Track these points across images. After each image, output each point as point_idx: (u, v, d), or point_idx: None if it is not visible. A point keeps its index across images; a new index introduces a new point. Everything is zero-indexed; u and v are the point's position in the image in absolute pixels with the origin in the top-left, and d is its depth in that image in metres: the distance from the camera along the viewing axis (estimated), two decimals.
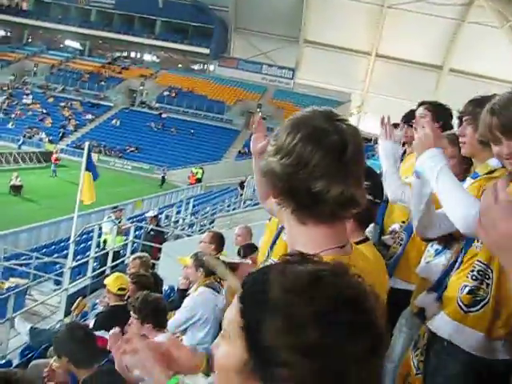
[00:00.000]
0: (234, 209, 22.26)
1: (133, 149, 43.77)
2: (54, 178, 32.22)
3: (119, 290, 5.50)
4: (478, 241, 2.35)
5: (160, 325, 4.17)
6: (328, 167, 1.29)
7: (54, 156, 34.56)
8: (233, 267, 3.22)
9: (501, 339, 2.28)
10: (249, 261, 3.45)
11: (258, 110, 49.86)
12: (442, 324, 2.42)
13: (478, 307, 2.30)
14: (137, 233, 13.49)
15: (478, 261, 2.33)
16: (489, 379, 2.34)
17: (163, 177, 36.59)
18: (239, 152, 44.52)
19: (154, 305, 4.17)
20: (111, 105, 50.11)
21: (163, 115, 48.64)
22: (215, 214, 20.46)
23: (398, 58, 51.14)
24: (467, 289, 2.34)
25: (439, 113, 3.40)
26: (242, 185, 27.70)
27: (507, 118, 2.09)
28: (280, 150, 1.32)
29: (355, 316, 0.87)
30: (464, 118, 2.64)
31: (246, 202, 23.53)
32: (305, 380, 0.85)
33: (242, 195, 26.16)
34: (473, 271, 2.34)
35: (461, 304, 2.35)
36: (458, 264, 2.49)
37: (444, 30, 48.10)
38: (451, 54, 49.30)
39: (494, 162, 2.46)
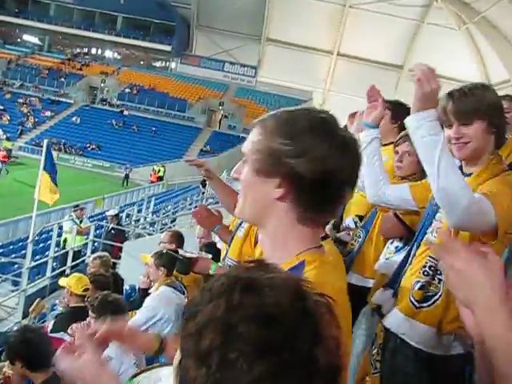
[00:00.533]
0: (195, 207, 22.08)
1: (93, 146, 43.12)
2: (7, 177, 31.06)
3: (84, 290, 5.42)
4: (431, 233, 2.39)
5: None
6: (351, 174, 1.36)
7: (2, 153, 33.40)
8: (191, 262, 3.20)
9: (451, 334, 2.31)
10: (209, 255, 3.43)
11: (220, 107, 49.79)
12: (394, 320, 2.45)
13: (430, 302, 2.34)
14: (97, 232, 13.29)
15: (429, 256, 2.36)
16: (445, 375, 2.38)
17: (126, 175, 36.12)
18: (201, 150, 44.35)
19: (114, 305, 4.13)
20: (71, 102, 49.23)
21: (124, 112, 48.07)
22: (177, 212, 20.33)
23: (359, 57, 51.77)
24: (419, 284, 2.38)
25: (398, 111, 3.42)
26: (203, 183, 27.54)
27: (462, 105, 2.21)
28: (307, 154, 1.29)
29: (265, 333, 0.83)
30: None
31: (207, 200, 23.45)
32: None
33: (203, 193, 26.03)
34: (425, 267, 2.37)
35: (413, 300, 2.38)
36: (410, 258, 2.51)
37: (404, 30, 48.91)
38: (411, 54, 50.03)
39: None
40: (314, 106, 51.64)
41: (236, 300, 0.85)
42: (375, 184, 2.62)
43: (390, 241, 3.14)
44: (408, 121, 2.17)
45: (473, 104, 2.22)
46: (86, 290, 5.43)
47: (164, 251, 4.89)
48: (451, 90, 2.28)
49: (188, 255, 3.25)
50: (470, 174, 2.30)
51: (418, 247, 2.48)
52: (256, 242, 2.92)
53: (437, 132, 2.09)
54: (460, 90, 2.26)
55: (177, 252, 3.46)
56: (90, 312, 4.22)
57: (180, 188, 32.05)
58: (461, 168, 2.35)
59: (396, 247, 3.05)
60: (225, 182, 3.94)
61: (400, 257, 2.77)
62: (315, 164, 1.28)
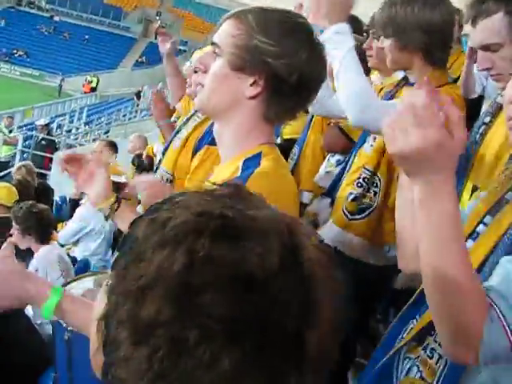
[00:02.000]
0: (129, 119, 21.65)
1: (21, 53, 40.82)
2: None
3: (14, 202, 5.27)
4: (371, 144, 2.37)
5: (43, 238, 4.07)
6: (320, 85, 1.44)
7: None
8: (119, 186, 3.14)
9: (384, 245, 2.35)
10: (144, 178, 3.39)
11: (157, 18, 47.82)
12: (327, 231, 2.46)
13: (363, 215, 2.36)
14: (27, 142, 12.82)
15: (364, 168, 2.36)
16: (378, 284, 2.44)
17: (60, 85, 34.59)
18: (136, 61, 42.91)
19: (38, 216, 4.03)
20: None
21: (55, 18, 45.44)
22: (110, 124, 19.83)
23: None
24: (352, 196, 2.39)
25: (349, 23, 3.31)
26: (138, 95, 26.89)
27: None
28: (287, 57, 1.33)
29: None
30: (371, 31, 2.63)
31: (142, 112, 22.99)
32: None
33: (138, 105, 25.44)
34: (359, 178, 2.37)
35: (345, 211, 2.40)
36: (348, 166, 2.51)
37: None
38: None
39: (400, 75, 2.49)
40: None
41: (203, 251, 0.57)
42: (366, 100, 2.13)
43: (331, 154, 3.14)
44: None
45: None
46: (17, 201, 5.29)
47: None
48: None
49: (116, 179, 3.17)
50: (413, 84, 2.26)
51: (355, 155, 2.48)
52: (193, 154, 2.85)
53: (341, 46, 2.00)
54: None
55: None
56: (13, 223, 4.10)
57: (114, 99, 31.09)
58: (406, 78, 2.34)
59: (337, 160, 3.03)
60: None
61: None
62: (295, 68, 1.31)
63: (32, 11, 46.26)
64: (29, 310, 3.76)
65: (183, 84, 3.47)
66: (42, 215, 4.04)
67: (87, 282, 1.82)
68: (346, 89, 2.02)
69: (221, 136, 1.47)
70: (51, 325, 3.04)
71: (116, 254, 0.68)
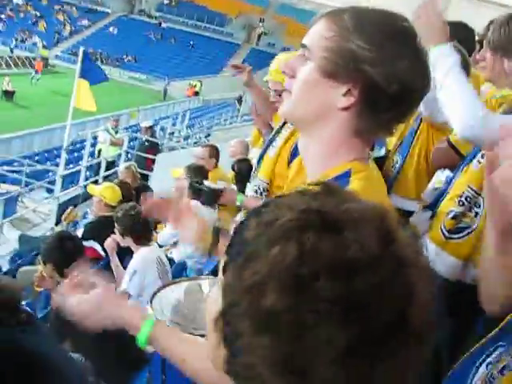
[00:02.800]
0: (230, 123, 21.92)
1: (130, 58, 42.72)
2: (41, 86, 31.02)
3: (118, 202, 5.34)
4: (478, 161, 2.20)
5: (141, 240, 4.10)
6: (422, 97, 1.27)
7: (38, 62, 33.19)
8: (216, 193, 3.07)
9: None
10: (233, 186, 3.30)
11: (260, 24, 48.40)
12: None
13: (461, 235, 2.20)
14: (131, 143, 13.22)
15: (469, 186, 2.19)
16: (465, 303, 2.22)
17: (165, 89, 35.78)
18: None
19: (137, 219, 4.03)
20: (108, 11, 48.49)
21: (162, 25, 47.25)
22: (211, 128, 20.14)
23: None
24: (452, 213, 2.23)
25: (458, 30, 3.04)
26: (239, 100, 27.23)
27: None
28: (387, 65, 1.16)
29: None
30: (485, 41, 2.41)
31: (243, 117, 23.21)
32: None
33: (239, 110, 25.75)
34: (461, 196, 2.21)
35: (443, 229, 2.25)
36: (453, 181, 2.37)
37: None
38: None
39: None
40: None
41: (309, 243, 0.63)
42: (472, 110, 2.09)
43: (442, 170, 2.99)
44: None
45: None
46: (120, 201, 5.36)
47: (189, 182, 4.76)
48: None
49: (213, 186, 3.13)
50: None
51: (461, 170, 2.33)
52: (290, 162, 2.81)
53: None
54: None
55: (201, 183, 3.32)
56: (115, 224, 4.18)
57: (216, 104, 31.70)
58: None
59: (447, 177, 2.83)
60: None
61: None
62: (396, 78, 1.15)
63: (142, 18, 48.29)
64: None
65: (271, 102, 3.47)
66: (140, 218, 4.02)
67: (176, 292, 1.70)
68: (452, 100, 2.00)
69: (306, 149, 1.32)
70: None
71: (223, 257, 0.74)
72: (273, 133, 3.11)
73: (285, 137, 2.90)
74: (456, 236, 2.21)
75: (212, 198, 3.17)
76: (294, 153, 2.70)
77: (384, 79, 1.14)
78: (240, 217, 3.11)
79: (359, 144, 1.25)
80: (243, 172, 6.54)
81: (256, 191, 3.01)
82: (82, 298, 1.39)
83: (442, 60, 2.01)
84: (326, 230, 0.64)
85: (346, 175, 1.21)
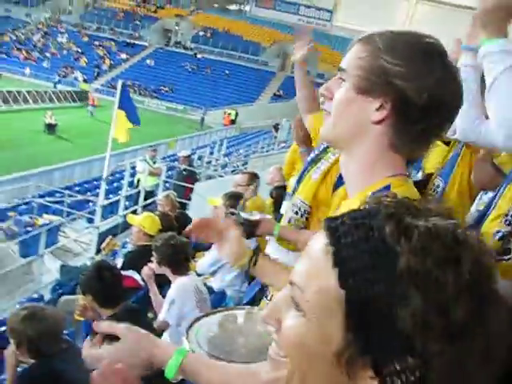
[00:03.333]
0: (267, 151, 21.97)
1: (167, 89, 43.51)
2: (89, 118, 32.23)
3: (158, 231, 5.37)
4: None
5: (177, 270, 4.10)
6: (456, 111, 1.28)
7: (92, 97, 34.61)
8: (253, 224, 3.00)
9: None
10: (269, 216, 3.25)
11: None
12: None
13: (510, 256, 2.02)
14: (169, 173, 13.35)
15: None
16: None
17: (202, 118, 36.23)
18: (274, 94, 43.91)
19: (174, 249, 4.05)
20: (146, 44, 49.65)
21: (198, 56, 48.06)
22: (248, 156, 20.22)
23: (439, 1, 49.06)
24: (499, 234, 2.07)
25: None
26: (276, 127, 27.33)
27: None
28: (419, 79, 1.20)
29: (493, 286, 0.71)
30: None
31: (279, 145, 23.24)
32: (442, 368, 0.68)
33: (275, 137, 25.82)
34: (507, 215, 2.07)
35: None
36: (496, 200, 2.19)
37: None
38: None
39: None
40: None
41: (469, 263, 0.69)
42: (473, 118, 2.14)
43: (484, 191, 2.85)
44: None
45: None
46: (160, 231, 5.38)
47: (225, 213, 4.74)
48: None
49: (250, 218, 3.09)
50: None
51: (504, 189, 2.14)
52: (335, 188, 2.72)
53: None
54: None
55: (238, 214, 3.27)
56: (153, 252, 4.18)
57: (252, 132, 31.90)
58: None
59: (490, 198, 2.70)
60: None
61: None
62: (426, 90, 1.19)
63: (178, 50, 49.28)
64: None
65: (313, 96, 3.40)
66: (178, 248, 4.04)
67: (212, 323, 1.66)
68: (497, 108, 1.84)
69: (346, 168, 1.35)
70: None
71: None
72: (316, 152, 3.01)
73: (332, 161, 2.82)
74: (506, 257, 2.05)
75: (249, 229, 3.13)
76: (340, 180, 2.61)
77: (414, 92, 1.18)
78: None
79: (397, 160, 1.28)
80: (281, 199, 6.53)
81: (297, 212, 2.91)
82: (111, 347, 1.37)
83: (500, 58, 1.82)
84: (455, 243, 0.70)
85: (386, 190, 1.22)
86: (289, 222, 2.93)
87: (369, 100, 1.24)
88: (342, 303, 0.71)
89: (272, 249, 3.00)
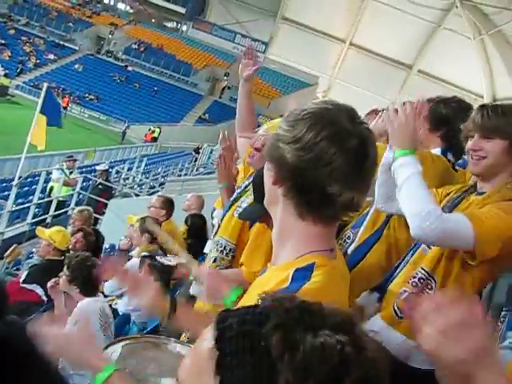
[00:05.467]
0: (185, 174, 22.03)
1: (92, 97, 42.62)
2: (6, 114, 30.78)
3: (67, 247, 5.31)
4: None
5: (87, 291, 4.05)
6: (347, 173, 1.24)
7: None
8: (169, 270, 3.03)
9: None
10: (186, 259, 3.25)
11: (225, 78, 49.29)
12: (372, 325, 2.32)
13: None
14: (84, 184, 13.11)
15: (421, 268, 2.25)
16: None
17: (124, 132, 35.68)
18: (199, 117, 44.02)
19: (89, 270, 4.03)
20: (76, 48, 48.46)
21: (128, 68, 47.48)
22: (166, 176, 20.18)
23: (370, 50, 51.39)
24: (406, 294, 2.26)
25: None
26: (197, 150, 27.43)
27: (489, 120, 2.16)
28: (298, 142, 1.25)
29: None
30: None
31: (198, 169, 23.37)
32: None
33: (196, 160, 25.89)
34: (414, 277, 2.26)
35: (396, 309, 2.27)
36: (403, 264, 2.41)
37: (420, 31, 48.47)
38: (422, 56, 49.83)
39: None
40: (319, 91, 51.40)
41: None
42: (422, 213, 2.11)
43: None
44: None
45: (500, 122, 2.15)
46: (68, 247, 5.34)
47: (140, 258, 4.71)
48: (486, 103, 2.24)
49: (166, 263, 3.07)
50: (482, 193, 2.22)
51: (412, 254, 2.37)
52: (251, 226, 2.80)
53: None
54: (493, 106, 2.20)
55: (155, 259, 3.23)
56: (65, 268, 4.11)
57: (173, 152, 31.79)
58: (475, 186, 2.29)
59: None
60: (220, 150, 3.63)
61: None
62: (300, 151, 1.23)
63: (108, 59, 48.50)
64: None
65: (251, 120, 3.48)
66: (93, 270, 4.03)
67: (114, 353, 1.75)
68: (408, 203, 2.08)
69: (273, 237, 1.39)
70: None
71: None
72: (238, 190, 3.03)
73: (251, 199, 2.77)
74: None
75: (165, 275, 3.10)
76: None
77: (292, 154, 1.24)
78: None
79: (316, 230, 1.30)
80: (195, 227, 6.62)
81: (222, 251, 2.88)
82: (60, 331, 1.52)
83: (403, 169, 2.11)
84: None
85: (309, 269, 1.25)
86: (214, 261, 2.91)
87: (268, 166, 1.33)
88: None
89: None
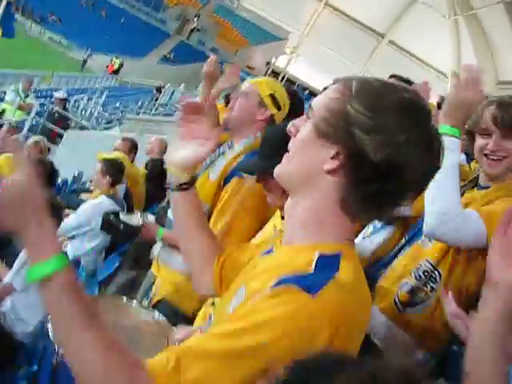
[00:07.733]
0: (144, 112, 21.49)
1: (55, 18, 40.78)
2: None
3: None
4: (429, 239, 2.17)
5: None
6: (420, 181, 1.18)
7: None
8: (134, 230, 2.89)
9: (426, 352, 2.16)
10: (152, 219, 3.08)
11: (195, 19, 48.04)
12: (373, 319, 2.18)
13: (415, 309, 2.15)
14: (39, 109, 12.57)
15: (426, 260, 2.15)
16: None
17: (85, 60, 34.34)
18: (164, 56, 42.95)
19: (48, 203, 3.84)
20: None
21: None
22: (124, 112, 19.63)
23: (345, 13, 50.96)
24: (408, 287, 2.17)
25: None
26: (159, 89, 26.82)
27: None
28: (381, 133, 1.11)
29: None
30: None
31: (158, 109, 22.91)
32: None
33: (157, 99, 25.33)
34: (418, 269, 2.16)
35: (397, 301, 2.19)
36: (399, 250, 2.33)
37: (397, 1, 48.22)
38: (395, 27, 49.78)
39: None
40: (288, 46, 50.90)
41: None
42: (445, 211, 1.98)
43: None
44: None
45: None
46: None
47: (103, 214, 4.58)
48: (501, 96, 2.05)
49: (131, 223, 2.91)
50: (485, 187, 2.12)
51: (411, 242, 2.29)
52: (224, 184, 2.72)
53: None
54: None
55: (118, 216, 3.04)
56: None
57: (133, 88, 30.94)
58: (475, 179, 2.20)
59: (374, 227, 2.72)
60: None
61: (378, 236, 2.58)
62: (385, 149, 1.09)
63: None
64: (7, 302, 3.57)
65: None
66: (50, 202, 3.85)
67: None
68: (438, 195, 1.92)
69: (292, 211, 1.26)
70: (43, 338, 2.86)
71: None
72: (216, 153, 2.91)
73: (229, 159, 2.74)
74: (410, 309, 2.15)
75: (129, 236, 2.97)
76: (230, 175, 2.66)
77: (373, 147, 1.10)
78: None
79: (347, 221, 1.20)
80: (155, 172, 6.47)
81: None
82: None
83: (448, 153, 1.87)
84: None
85: (336, 259, 1.15)
86: None
87: (326, 145, 1.16)
88: None
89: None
